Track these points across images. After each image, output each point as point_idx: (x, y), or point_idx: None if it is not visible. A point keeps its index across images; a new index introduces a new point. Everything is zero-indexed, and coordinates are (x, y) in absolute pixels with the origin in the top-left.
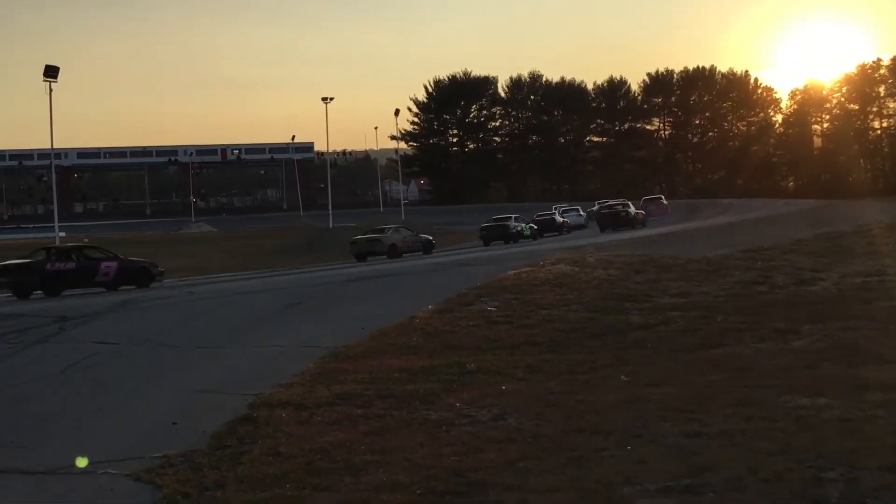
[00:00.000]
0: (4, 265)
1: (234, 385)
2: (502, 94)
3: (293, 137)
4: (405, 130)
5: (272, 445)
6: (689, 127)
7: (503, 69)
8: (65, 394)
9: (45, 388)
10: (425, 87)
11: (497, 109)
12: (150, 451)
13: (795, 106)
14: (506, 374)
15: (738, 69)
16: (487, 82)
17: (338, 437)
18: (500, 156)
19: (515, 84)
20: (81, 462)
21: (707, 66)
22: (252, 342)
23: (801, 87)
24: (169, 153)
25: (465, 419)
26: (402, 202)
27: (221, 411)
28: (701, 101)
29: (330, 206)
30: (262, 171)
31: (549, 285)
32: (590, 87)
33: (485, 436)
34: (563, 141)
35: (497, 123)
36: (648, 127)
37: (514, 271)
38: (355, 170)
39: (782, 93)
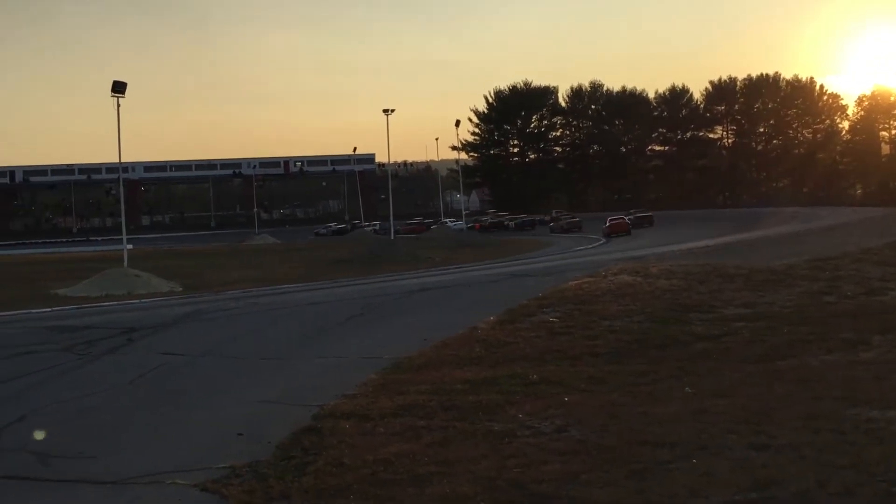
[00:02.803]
0: None
1: (297, 396)
2: (563, 104)
3: (355, 149)
4: (466, 141)
5: (336, 456)
6: (752, 135)
7: (563, 79)
8: (133, 404)
9: (113, 399)
10: (486, 98)
11: (557, 119)
12: (216, 462)
13: (862, 112)
14: (568, 385)
15: (803, 76)
16: (548, 92)
17: (401, 448)
18: (560, 165)
19: (576, 94)
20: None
21: (771, 73)
22: (316, 353)
23: (868, 93)
24: (233, 166)
25: (528, 430)
26: (464, 212)
27: (286, 422)
28: (765, 109)
29: (391, 217)
30: (324, 183)
31: (611, 296)
32: (651, 95)
33: (548, 447)
34: (624, 150)
35: (557, 133)
36: (711, 135)
37: (575, 282)
38: (416, 180)
39: (849, 99)
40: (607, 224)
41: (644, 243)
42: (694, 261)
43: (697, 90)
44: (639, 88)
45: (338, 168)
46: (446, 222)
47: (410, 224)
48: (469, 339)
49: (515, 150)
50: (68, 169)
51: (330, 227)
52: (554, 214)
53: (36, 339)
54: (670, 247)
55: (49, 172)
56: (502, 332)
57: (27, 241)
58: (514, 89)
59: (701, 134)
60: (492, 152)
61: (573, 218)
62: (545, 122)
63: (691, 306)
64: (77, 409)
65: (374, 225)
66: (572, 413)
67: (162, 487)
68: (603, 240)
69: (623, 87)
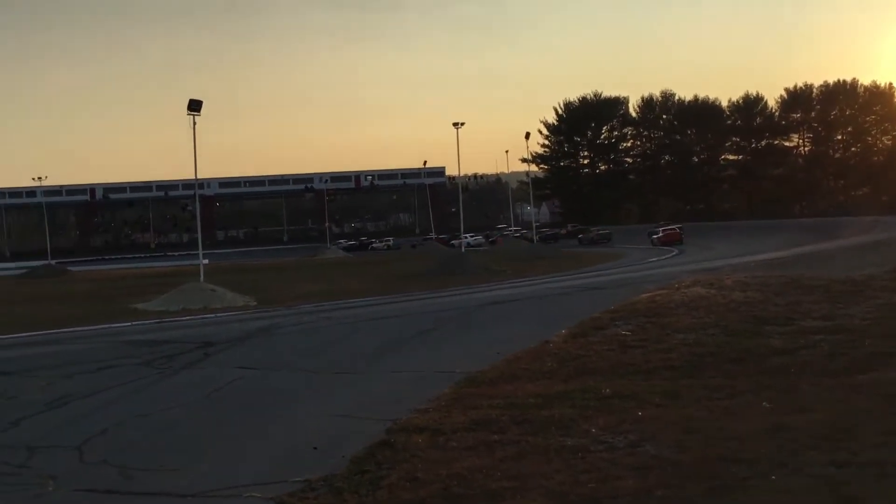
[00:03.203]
0: None
1: (371, 410)
2: (633, 114)
3: (425, 163)
4: (536, 153)
5: (410, 470)
6: (829, 142)
7: (634, 89)
8: (210, 418)
9: (192, 413)
10: (555, 110)
11: (628, 130)
12: (291, 475)
13: None
14: (642, 399)
15: (882, 82)
16: (618, 103)
17: (474, 462)
18: (631, 176)
19: (647, 103)
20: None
21: (848, 80)
22: (388, 367)
23: None
24: (305, 181)
25: (602, 445)
26: (534, 224)
27: (359, 436)
28: (842, 116)
29: (462, 230)
30: (395, 197)
31: (685, 308)
32: (724, 104)
33: (622, 462)
34: (696, 160)
35: (628, 144)
36: (787, 143)
37: (647, 294)
38: (486, 193)
39: None
40: (660, 234)
41: (717, 254)
42: (770, 272)
43: (772, 98)
44: (711, 97)
45: (408, 181)
46: (466, 237)
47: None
48: (541, 352)
49: (585, 161)
50: (146, 186)
51: (340, 243)
52: (592, 230)
53: (117, 354)
54: (745, 258)
55: (128, 189)
56: (574, 346)
57: (107, 257)
58: (584, 100)
59: (776, 142)
60: (562, 164)
61: (602, 230)
62: (616, 132)
63: (768, 319)
64: (157, 422)
65: (388, 240)
66: (647, 428)
67: (239, 501)
68: (675, 251)
69: (695, 96)
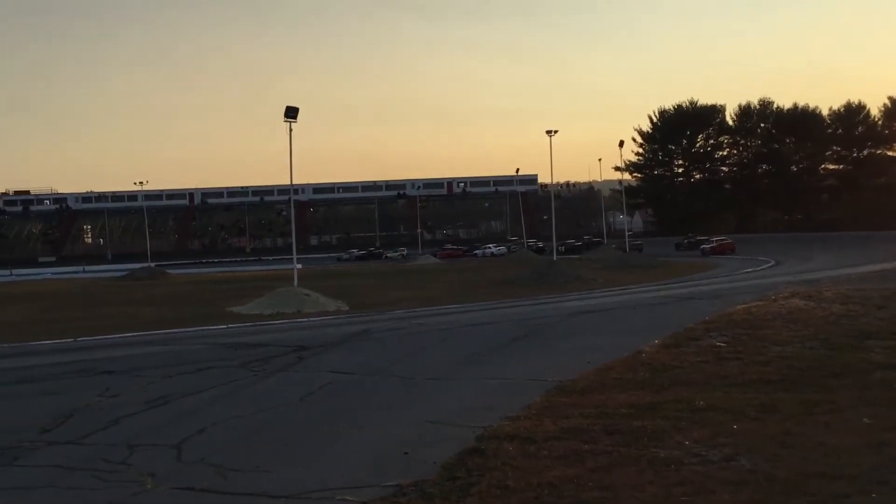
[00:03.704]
0: None
1: (462, 416)
2: (730, 123)
3: (517, 170)
4: (629, 161)
5: (500, 478)
6: None
7: (731, 97)
8: (304, 421)
9: (285, 415)
10: (650, 118)
11: (725, 138)
12: (383, 480)
13: None
14: (737, 412)
15: None
16: (714, 111)
17: (565, 472)
18: (727, 186)
19: (744, 112)
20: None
21: None
22: (480, 374)
23: None
24: (398, 187)
25: (695, 458)
26: (626, 233)
27: (450, 442)
28: None
29: (554, 238)
30: (487, 204)
31: (783, 320)
32: (825, 112)
33: (716, 476)
34: (795, 169)
35: (724, 152)
36: (890, 153)
37: (743, 305)
38: (579, 201)
39: None
40: (713, 243)
41: (817, 265)
42: (872, 284)
43: (875, 106)
44: (811, 105)
45: (500, 189)
46: (490, 247)
47: (447, 250)
48: (633, 362)
49: (680, 170)
50: (243, 191)
51: (353, 252)
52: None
53: (214, 356)
54: (846, 269)
55: (225, 194)
56: (668, 356)
57: (204, 260)
58: (679, 108)
59: (879, 152)
60: (655, 172)
61: (636, 241)
62: (711, 141)
63: (870, 333)
64: (253, 424)
65: (402, 250)
66: (742, 441)
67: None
68: (772, 262)
69: (794, 104)
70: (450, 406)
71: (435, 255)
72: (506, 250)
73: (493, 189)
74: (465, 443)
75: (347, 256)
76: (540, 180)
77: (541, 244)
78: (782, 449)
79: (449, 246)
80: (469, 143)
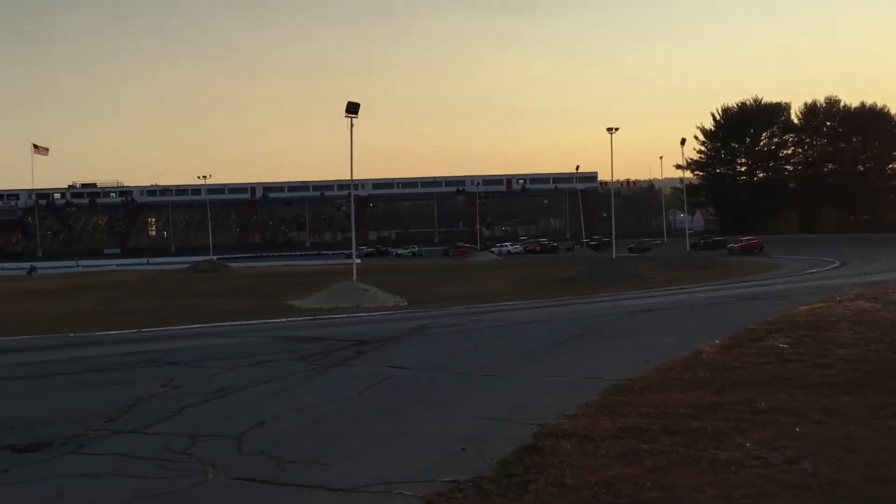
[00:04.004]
0: None
1: (519, 414)
2: (795, 121)
3: (577, 167)
4: (691, 159)
5: (557, 476)
6: None
7: (797, 95)
8: (362, 415)
9: (344, 409)
10: (713, 115)
11: (789, 137)
12: (440, 475)
13: None
14: (800, 414)
15: None
16: (779, 109)
17: (623, 471)
18: (791, 185)
19: (810, 110)
20: None
21: None
22: (537, 372)
23: None
24: (457, 183)
25: (756, 460)
26: (687, 232)
27: (507, 439)
28: None
29: (613, 236)
30: (546, 201)
31: (847, 322)
32: (893, 111)
33: (777, 479)
34: (861, 169)
35: (789, 151)
36: None
37: (806, 307)
38: (639, 199)
39: None
40: (742, 242)
41: (883, 267)
42: None
43: None
44: (879, 104)
45: (560, 186)
46: (507, 245)
47: (459, 247)
48: (693, 362)
49: (743, 168)
50: (303, 186)
51: (361, 249)
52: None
53: (275, 349)
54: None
55: (286, 189)
56: (728, 357)
57: (264, 254)
58: (742, 106)
59: None
60: (718, 171)
61: (650, 240)
62: (776, 139)
63: None
64: (312, 417)
65: (413, 248)
66: (804, 444)
67: (389, 497)
68: (836, 263)
69: (862, 103)
70: (507, 403)
71: (447, 253)
72: (521, 249)
73: (552, 186)
74: (522, 440)
75: (358, 253)
76: (600, 178)
77: (604, 239)
78: (845, 453)
79: (460, 244)
80: (529, 140)
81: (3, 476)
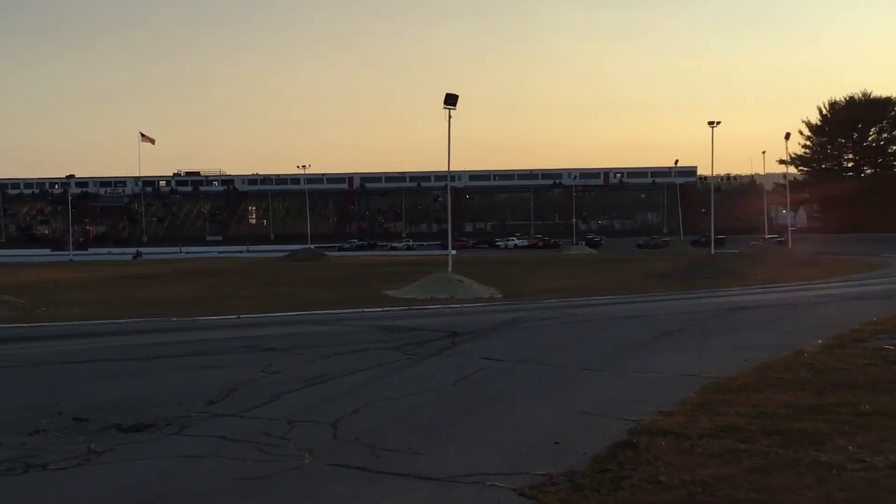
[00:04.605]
0: None
1: (613, 409)
2: None
3: (676, 161)
4: (795, 154)
5: (652, 473)
6: None
7: None
8: (455, 405)
9: (438, 399)
10: (819, 110)
11: None
12: (532, 468)
13: None
14: None
15: None
16: (889, 103)
17: (720, 470)
18: None
19: None
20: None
21: None
22: (632, 367)
23: None
24: (554, 176)
25: (859, 464)
26: (790, 229)
27: (601, 434)
28: None
29: (712, 232)
30: (643, 195)
31: None
32: None
33: (881, 484)
34: None
35: None
36: None
37: None
38: (739, 195)
39: None
40: (759, 241)
41: None
42: None
43: None
44: None
45: (658, 180)
46: (513, 239)
47: (457, 241)
48: (794, 362)
49: (850, 164)
50: (400, 176)
51: (353, 241)
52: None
53: (370, 338)
54: None
55: (383, 179)
56: (831, 357)
57: (361, 243)
58: (850, 100)
59: None
60: (823, 167)
61: (659, 237)
62: (885, 135)
63: None
64: (405, 406)
65: (408, 241)
66: None
67: (482, 489)
68: None
69: None
70: (601, 397)
71: (446, 247)
72: (526, 243)
73: (650, 180)
74: (616, 435)
75: (349, 245)
76: (699, 172)
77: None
78: None
79: (462, 238)
80: (627, 134)
81: (109, 454)
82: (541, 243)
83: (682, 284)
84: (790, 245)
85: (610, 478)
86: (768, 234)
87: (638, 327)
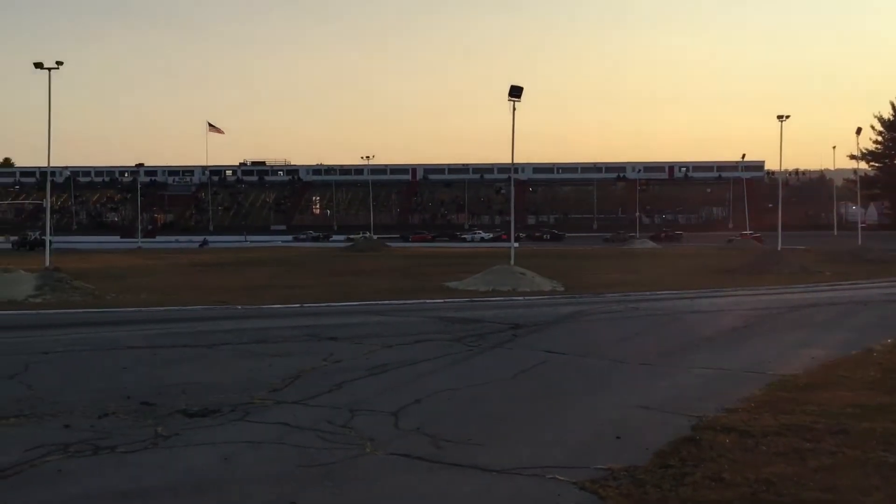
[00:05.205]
0: None
1: (675, 404)
2: None
3: (743, 156)
4: (867, 150)
5: (715, 470)
6: None
7: None
8: (516, 397)
9: (499, 391)
10: (892, 104)
11: None
12: (593, 462)
13: None
14: None
15: None
16: None
17: (784, 469)
18: None
19: None
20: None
21: None
22: (695, 362)
23: None
24: (618, 169)
25: None
26: (860, 225)
27: (663, 430)
28: None
29: (779, 227)
30: (709, 190)
31: None
32: None
33: None
34: None
35: None
36: None
37: None
38: (808, 190)
39: None
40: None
41: None
42: None
43: None
44: None
45: (724, 175)
46: (479, 233)
47: (418, 234)
48: (863, 361)
49: None
50: (463, 168)
51: (309, 233)
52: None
53: (432, 329)
54: None
55: (446, 171)
56: None
57: (422, 234)
58: None
59: None
60: (895, 162)
61: (625, 233)
62: None
63: None
64: (466, 397)
65: (365, 233)
66: None
67: (543, 481)
68: None
69: None
70: (663, 393)
71: (407, 240)
72: (491, 236)
73: (716, 175)
74: (678, 431)
75: (304, 237)
76: (767, 167)
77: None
78: None
79: (420, 231)
80: (693, 128)
81: (176, 438)
82: (504, 236)
83: (748, 280)
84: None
85: (672, 474)
86: (837, 230)
87: (702, 322)
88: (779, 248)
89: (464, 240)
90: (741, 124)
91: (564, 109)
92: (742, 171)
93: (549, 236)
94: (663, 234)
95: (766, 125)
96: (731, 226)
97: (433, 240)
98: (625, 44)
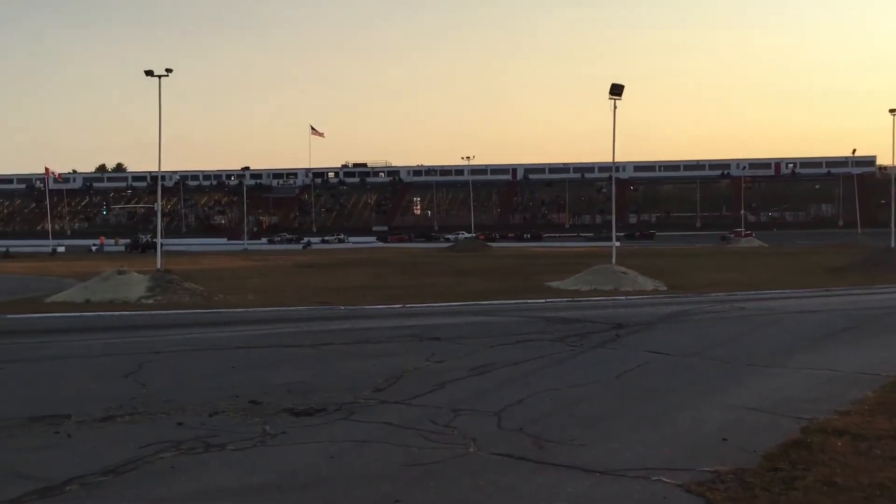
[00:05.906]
0: None
1: (784, 406)
2: None
3: (853, 151)
4: None
5: (827, 474)
6: None
7: None
8: (619, 398)
9: (602, 391)
10: None
11: None
12: (699, 464)
13: None
14: None
15: None
16: None
17: None
18: None
19: None
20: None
21: None
22: (804, 364)
23: None
24: (721, 167)
25: None
26: None
27: (772, 432)
28: None
29: (892, 224)
30: (817, 186)
31: None
32: None
33: None
34: None
35: None
36: None
37: None
38: None
39: None
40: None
41: None
42: None
43: None
44: None
45: (833, 171)
46: (462, 233)
47: (396, 234)
48: None
49: None
50: (564, 167)
51: (283, 235)
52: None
53: (533, 329)
54: None
55: (547, 170)
56: None
57: (523, 234)
58: None
59: None
60: None
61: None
62: None
63: None
64: (569, 397)
65: (340, 235)
66: None
67: (648, 483)
68: None
69: None
70: (771, 395)
71: (385, 241)
72: (473, 236)
73: (825, 171)
74: (787, 434)
75: (279, 239)
76: (878, 162)
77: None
78: None
79: (397, 232)
80: (800, 124)
81: (282, 437)
82: (482, 237)
83: (861, 278)
84: None
85: (781, 477)
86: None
87: (810, 322)
88: (892, 246)
89: (447, 240)
90: (851, 119)
91: (667, 107)
92: (853, 166)
93: (638, 234)
94: (638, 234)
95: (878, 120)
96: (840, 224)
97: (410, 240)
98: (729, 40)
